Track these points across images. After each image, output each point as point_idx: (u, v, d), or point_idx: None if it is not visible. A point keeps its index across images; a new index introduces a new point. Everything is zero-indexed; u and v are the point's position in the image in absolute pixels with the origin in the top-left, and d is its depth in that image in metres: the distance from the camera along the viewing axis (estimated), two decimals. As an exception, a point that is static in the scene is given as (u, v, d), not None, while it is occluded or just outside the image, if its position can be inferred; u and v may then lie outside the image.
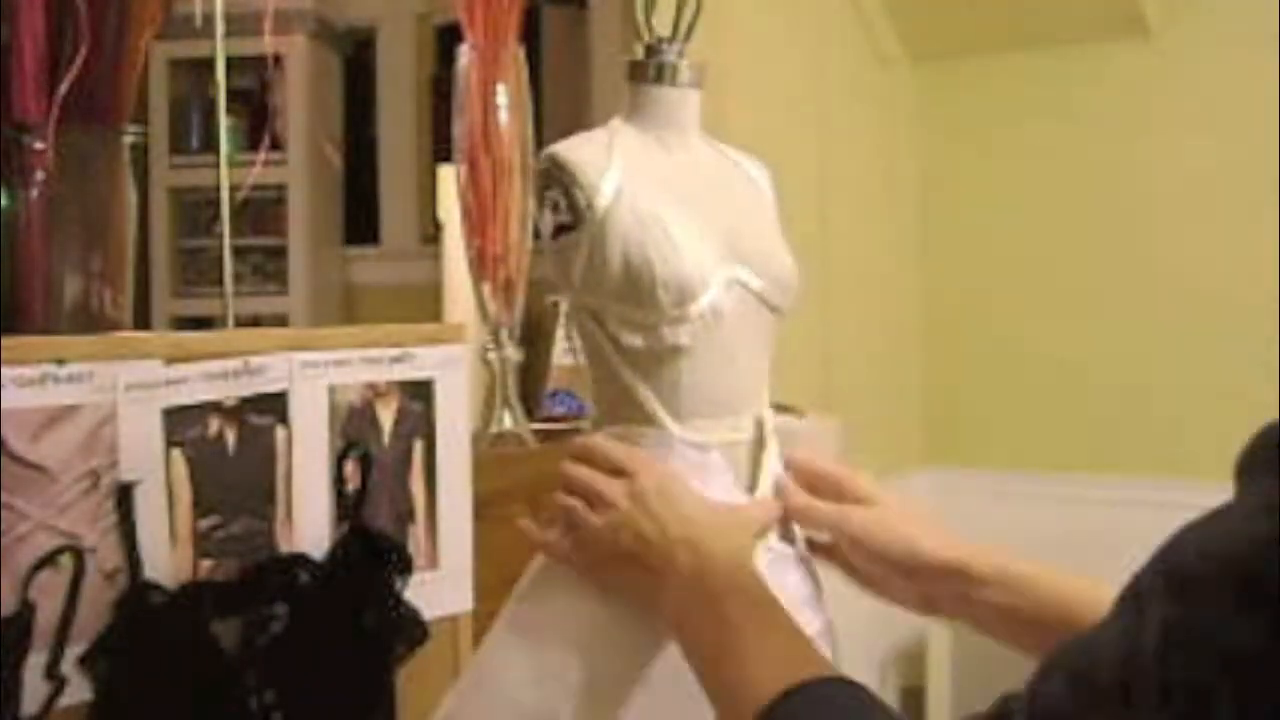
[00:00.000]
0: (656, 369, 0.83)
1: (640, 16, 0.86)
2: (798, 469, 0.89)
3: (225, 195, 1.53)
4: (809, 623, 0.81)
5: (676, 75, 0.87)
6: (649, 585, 0.79)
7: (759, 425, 0.87)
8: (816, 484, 0.88)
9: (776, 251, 0.89)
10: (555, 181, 0.83)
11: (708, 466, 0.84)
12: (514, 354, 1.38)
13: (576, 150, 0.84)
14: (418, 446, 0.98)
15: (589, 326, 0.84)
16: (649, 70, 0.87)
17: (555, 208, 0.83)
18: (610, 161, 0.83)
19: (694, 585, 0.76)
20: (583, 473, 0.83)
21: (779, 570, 0.84)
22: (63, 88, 1.22)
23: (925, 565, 0.83)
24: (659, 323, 0.81)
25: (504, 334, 1.38)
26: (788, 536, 0.88)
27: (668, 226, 0.81)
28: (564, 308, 1.64)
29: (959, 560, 0.82)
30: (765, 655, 0.71)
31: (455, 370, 1.00)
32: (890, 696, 2.62)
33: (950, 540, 0.84)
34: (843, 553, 0.88)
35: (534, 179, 0.88)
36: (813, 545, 0.90)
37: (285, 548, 0.90)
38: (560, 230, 0.83)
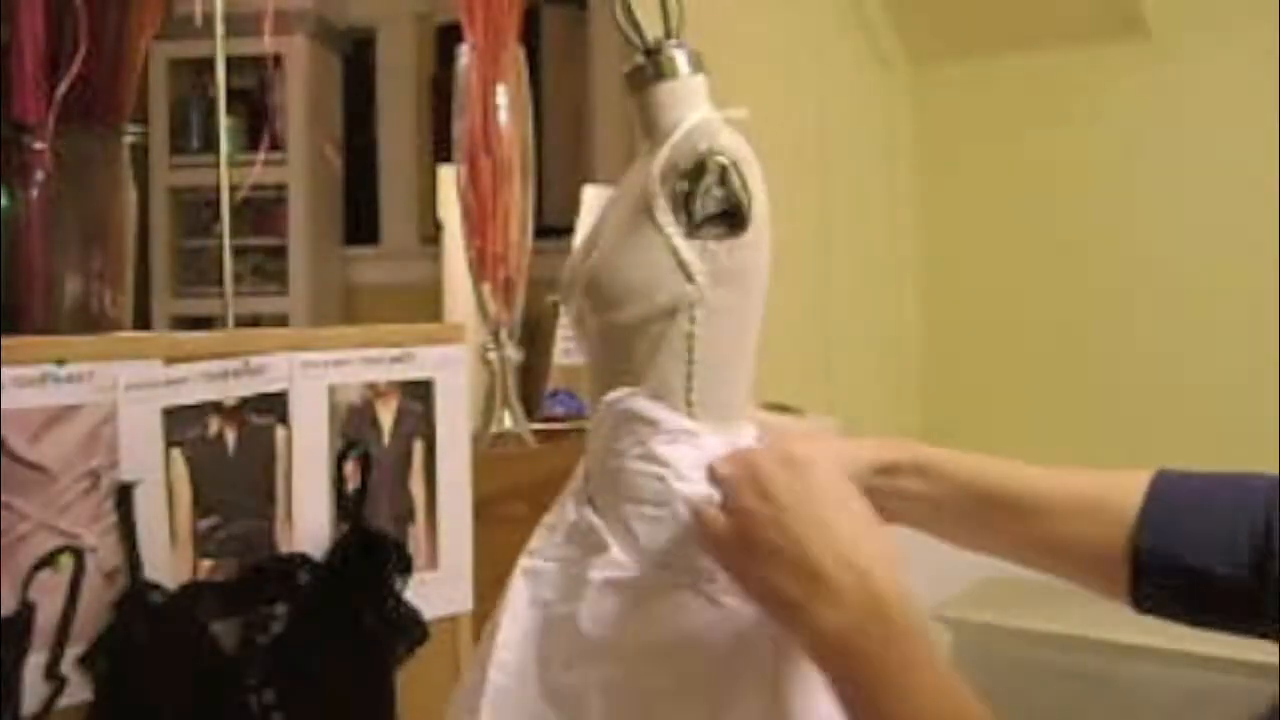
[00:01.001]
0: None
1: (626, 20, 0.85)
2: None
3: (225, 195, 1.53)
4: None
5: (675, 68, 0.85)
6: (793, 598, 0.71)
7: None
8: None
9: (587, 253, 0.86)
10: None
11: None
12: (514, 354, 1.38)
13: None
14: (418, 446, 0.98)
15: None
16: (647, 70, 0.86)
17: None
18: None
19: (869, 619, 0.69)
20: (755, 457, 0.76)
21: None
22: (63, 88, 1.22)
23: (862, 470, 0.81)
24: None
25: (504, 334, 1.38)
26: None
27: None
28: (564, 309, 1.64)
29: (884, 459, 0.82)
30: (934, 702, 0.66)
31: (455, 370, 1.00)
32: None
33: (871, 444, 0.83)
34: None
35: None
36: None
37: (285, 548, 0.90)
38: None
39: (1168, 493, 0.75)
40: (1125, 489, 0.76)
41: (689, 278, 0.79)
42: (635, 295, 0.81)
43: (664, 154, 0.81)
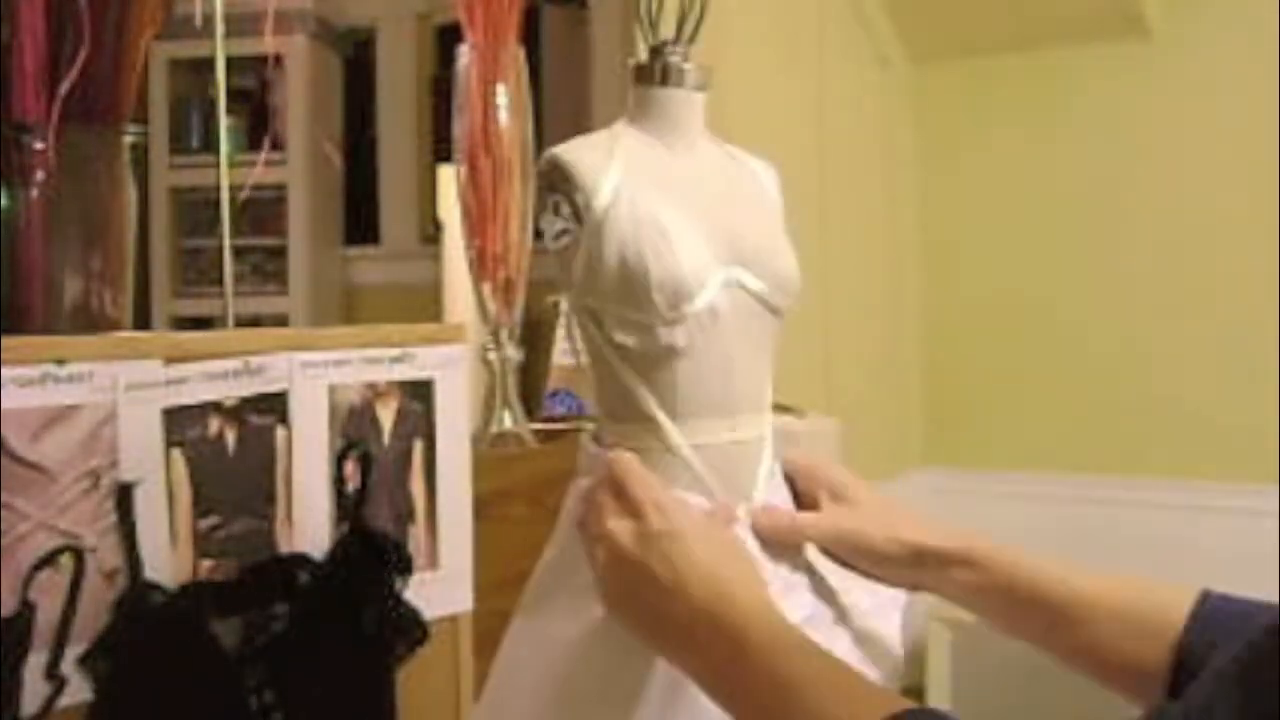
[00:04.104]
0: (653, 369, 0.83)
1: (644, 17, 0.86)
2: (795, 472, 0.91)
3: (225, 195, 1.53)
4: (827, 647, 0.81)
5: (683, 78, 0.87)
6: (660, 629, 0.76)
7: (758, 427, 0.87)
8: (812, 486, 0.90)
9: (779, 252, 0.89)
10: (555, 184, 0.83)
11: (685, 479, 0.84)
12: (514, 354, 1.38)
13: (576, 152, 0.84)
14: (418, 446, 0.98)
15: (589, 328, 0.84)
16: (654, 72, 0.87)
17: (556, 210, 0.84)
18: (609, 164, 0.83)
19: (727, 637, 0.73)
20: (597, 501, 0.80)
21: (792, 597, 0.84)
22: (63, 88, 1.22)
23: (912, 554, 0.87)
24: (655, 324, 0.81)
25: (504, 334, 1.38)
26: (796, 564, 0.88)
27: (665, 228, 0.81)
28: (564, 307, 1.64)
29: (937, 547, 0.87)
30: (832, 699, 0.68)
31: (455, 370, 1.00)
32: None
33: (926, 528, 0.88)
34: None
35: (536, 181, 0.88)
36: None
37: (285, 548, 0.90)
38: (562, 233, 0.83)
39: (1211, 615, 0.77)
40: (1170, 606, 0.78)
41: (563, 284, 0.86)
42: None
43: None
